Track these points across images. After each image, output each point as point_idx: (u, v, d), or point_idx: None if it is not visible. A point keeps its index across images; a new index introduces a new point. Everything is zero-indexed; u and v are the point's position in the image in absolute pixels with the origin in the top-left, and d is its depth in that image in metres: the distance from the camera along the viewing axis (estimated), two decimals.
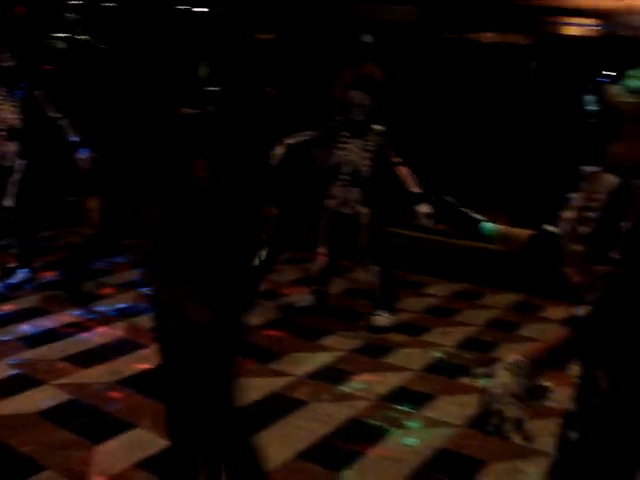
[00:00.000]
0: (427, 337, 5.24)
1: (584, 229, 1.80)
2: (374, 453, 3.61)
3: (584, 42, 7.78)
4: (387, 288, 5.40)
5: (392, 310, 5.43)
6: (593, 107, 1.84)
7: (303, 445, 3.64)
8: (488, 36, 10.40)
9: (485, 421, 1.76)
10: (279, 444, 3.63)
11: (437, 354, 4.89)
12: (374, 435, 3.79)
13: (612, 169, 1.78)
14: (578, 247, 1.80)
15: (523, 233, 2.25)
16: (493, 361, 1.81)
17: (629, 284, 1.70)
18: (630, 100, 1.74)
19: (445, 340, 5.13)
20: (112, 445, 3.59)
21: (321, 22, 8.84)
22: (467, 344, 5.08)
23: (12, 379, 4.25)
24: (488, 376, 1.79)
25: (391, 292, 5.45)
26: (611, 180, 1.78)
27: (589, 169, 1.85)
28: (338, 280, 6.44)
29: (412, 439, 3.75)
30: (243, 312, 2.80)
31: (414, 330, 5.35)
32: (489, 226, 2.31)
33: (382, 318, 5.34)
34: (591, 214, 1.79)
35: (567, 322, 1.83)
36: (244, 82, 9.73)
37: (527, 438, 1.74)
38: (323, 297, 5.73)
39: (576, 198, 1.86)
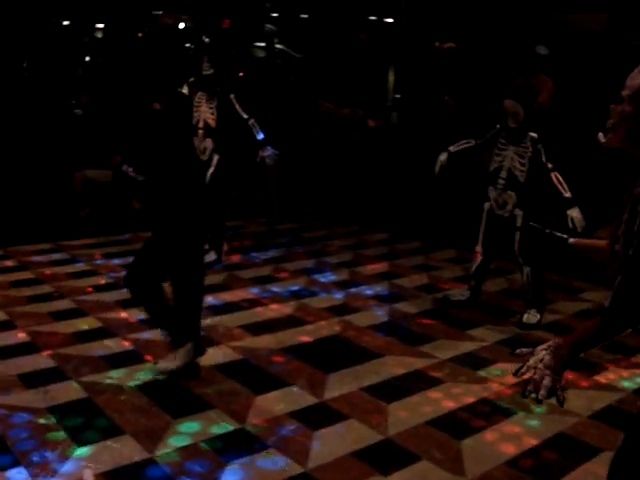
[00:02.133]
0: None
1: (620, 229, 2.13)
2: (495, 429, 3.97)
3: None
4: (538, 288, 5.67)
5: (542, 310, 5.69)
6: None
7: (431, 415, 4.09)
8: None
9: (524, 388, 2.14)
10: (411, 412, 4.11)
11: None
12: (499, 414, 4.15)
13: None
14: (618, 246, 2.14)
15: (602, 242, 2.51)
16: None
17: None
18: None
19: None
20: (270, 397, 4.24)
21: (499, 31, 9.09)
22: (609, 347, 5.22)
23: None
24: (529, 354, 2.16)
25: (542, 292, 5.71)
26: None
27: None
28: (497, 279, 6.79)
29: (534, 421, 4.07)
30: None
31: (561, 330, 5.56)
32: (572, 241, 2.58)
33: (531, 316, 5.63)
34: (624, 215, 2.12)
35: (598, 311, 2.17)
36: (424, 90, 10.19)
37: (560, 402, 2.11)
38: (478, 293, 6.11)
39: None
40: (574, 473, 3.53)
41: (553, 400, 4.11)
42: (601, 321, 2.16)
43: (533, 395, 2.09)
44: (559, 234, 2.58)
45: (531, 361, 2.13)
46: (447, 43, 9.99)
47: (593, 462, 3.61)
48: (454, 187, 8.23)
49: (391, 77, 11.68)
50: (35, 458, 3.46)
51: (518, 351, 2.22)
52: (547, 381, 2.07)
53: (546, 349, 2.12)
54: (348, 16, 11.57)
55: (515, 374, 2.16)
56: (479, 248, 5.95)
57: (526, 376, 2.13)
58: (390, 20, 11.07)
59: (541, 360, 2.10)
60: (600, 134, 2.12)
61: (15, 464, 3.40)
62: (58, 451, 3.53)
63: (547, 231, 2.60)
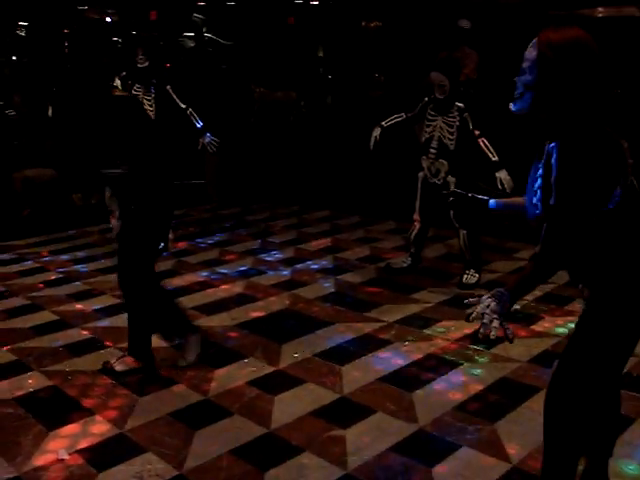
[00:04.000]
0: None
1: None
2: (443, 379, 4.27)
3: None
4: (474, 250, 5.98)
5: (480, 270, 6.01)
6: None
7: (383, 372, 4.36)
8: (599, 10, 10.61)
9: (476, 334, 2.42)
10: (363, 371, 4.38)
11: (515, 306, 5.42)
12: (446, 366, 4.44)
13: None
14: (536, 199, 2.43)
15: (520, 199, 2.78)
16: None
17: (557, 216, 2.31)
18: None
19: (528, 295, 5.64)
20: (229, 369, 4.45)
21: (423, 8, 9.37)
22: (545, 298, 5.58)
23: None
24: (475, 303, 2.43)
25: (478, 254, 6.02)
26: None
27: None
28: (436, 245, 7.11)
29: (479, 370, 4.38)
30: None
31: (499, 287, 5.89)
32: (492, 202, 2.87)
33: (470, 276, 5.95)
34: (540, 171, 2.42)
35: (531, 258, 2.45)
36: (355, 69, 10.43)
37: (510, 339, 2.39)
38: (418, 259, 6.40)
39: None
40: (515, 411, 3.84)
41: (495, 350, 4.45)
42: (534, 266, 2.43)
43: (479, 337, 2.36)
44: (480, 197, 2.86)
45: (479, 308, 2.40)
46: (373, 22, 10.25)
47: (532, 400, 3.92)
48: (389, 160, 8.50)
49: (321, 58, 11.88)
50: (10, 444, 3.60)
51: (467, 301, 2.48)
52: (496, 323, 2.34)
53: (491, 297, 2.40)
54: (274, 1, 11.73)
55: (467, 320, 2.42)
56: (417, 216, 6.24)
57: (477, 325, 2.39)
58: (316, 2, 11.26)
59: (488, 306, 2.37)
60: (510, 104, 2.42)
61: None
62: (31, 437, 3.67)
63: (469, 195, 2.87)
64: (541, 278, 2.46)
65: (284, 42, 11.47)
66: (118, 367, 4.38)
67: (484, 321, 2.36)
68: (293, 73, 10.86)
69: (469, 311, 2.42)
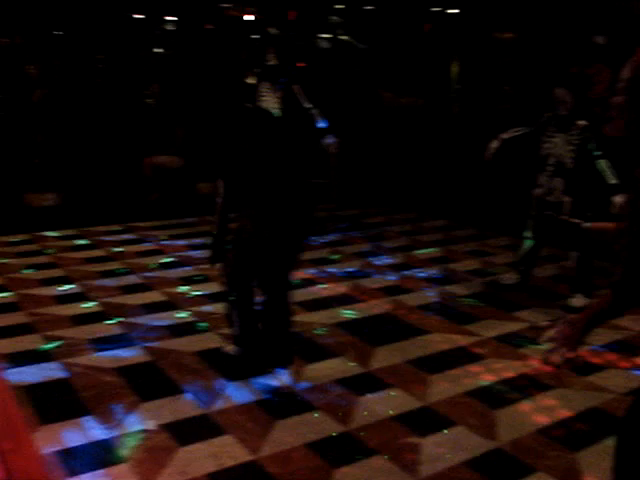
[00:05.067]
0: (618, 321, 5.56)
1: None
2: (531, 401, 4.17)
3: None
4: (585, 273, 5.79)
5: (589, 294, 5.82)
6: None
7: (470, 386, 4.31)
8: None
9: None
10: (451, 383, 4.35)
11: (618, 336, 5.23)
12: (537, 388, 4.34)
13: None
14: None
15: (611, 224, 2.70)
16: None
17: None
18: None
19: (633, 325, 5.43)
20: (319, 365, 4.54)
21: (559, 22, 9.13)
22: None
23: None
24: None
25: (589, 277, 5.83)
26: None
27: None
28: (549, 265, 6.93)
29: (571, 396, 4.25)
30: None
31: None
32: (587, 226, 2.80)
33: (577, 300, 5.76)
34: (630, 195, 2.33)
35: (608, 286, 2.38)
36: (485, 80, 10.28)
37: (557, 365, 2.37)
38: (527, 277, 6.27)
39: None
40: (601, 444, 3.70)
41: (591, 377, 4.31)
42: (612, 294, 2.37)
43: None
44: (573, 220, 2.80)
45: (552, 332, 2.37)
46: (506, 33, 10.08)
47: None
48: (506, 174, 8.36)
49: (454, 67, 11.79)
50: (105, 409, 3.84)
51: (543, 323, 2.46)
52: (564, 349, 2.31)
53: (565, 323, 2.36)
54: (412, 7, 11.73)
55: (540, 342, 2.41)
56: (529, 234, 6.11)
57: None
58: (454, 10, 11.18)
59: (560, 332, 2.34)
60: (605, 126, 2.36)
61: (86, 414, 3.78)
62: (124, 405, 3.90)
63: (562, 218, 2.82)
64: (619, 309, 2.39)
65: (418, 48, 11.47)
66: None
67: (554, 346, 2.33)
68: (422, 80, 10.84)
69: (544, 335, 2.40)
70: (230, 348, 4.56)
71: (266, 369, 4.43)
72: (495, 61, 9.98)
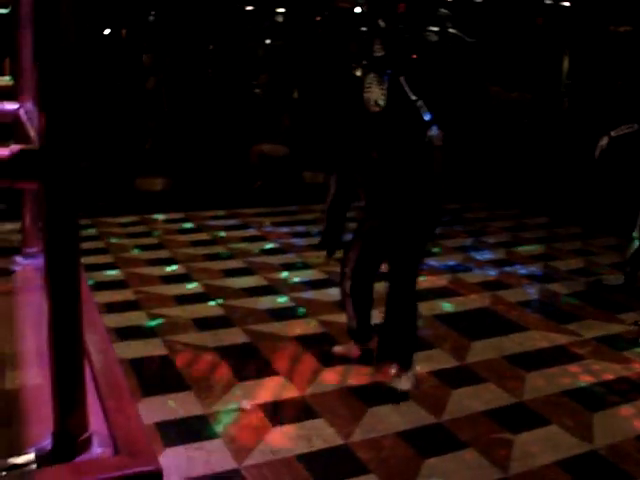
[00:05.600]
0: None
1: None
2: (632, 405, 4.06)
3: None
4: None
5: None
6: None
7: (568, 386, 4.24)
8: None
9: None
10: (548, 381, 4.29)
11: None
12: (638, 393, 4.21)
13: None
14: None
15: None
16: None
17: None
18: None
19: None
20: (419, 356, 4.50)
21: None
22: None
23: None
24: None
25: None
26: None
27: None
28: None
29: None
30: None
31: None
32: None
33: None
34: None
35: None
36: (597, 76, 9.95)
37: None
38: (633, 279, 6.07)
39: None
40: None
41: None
42: None
43: None
44: None
45: None
46: (622, 26, 9.71)
47: None
48: (616, 172, 8.09)
49: (565, 62, 11.49)
50: (203, 385, 3.98)
51: None
52: None
53: None
54: (523, 0, 11.50)
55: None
56: (637, 234, 5.91)
57: None
58: (567, 3, 10.87)
59: None
60: None
61: (185, 388, 3.94)
62: (222, 383, 4.04)
63: None
64: None
65: (529, 42, 11.21)
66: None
67: None
68: (532, 74, 10.58)
69: None
70: (339, 348, 4.55)
71: (380, 366, 4.30)
72: (609, 55, 9.65)
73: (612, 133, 5.88)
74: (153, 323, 4.88)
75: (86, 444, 1.16)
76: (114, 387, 1.42)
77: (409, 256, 4.10)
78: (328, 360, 4.41)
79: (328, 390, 4.05)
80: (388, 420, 3.75)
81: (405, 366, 4.12)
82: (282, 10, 12.70)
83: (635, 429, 3.80)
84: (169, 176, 9.27)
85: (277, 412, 3.76)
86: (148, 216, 7.88)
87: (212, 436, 3.50)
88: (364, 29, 11.58)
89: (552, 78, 11.05)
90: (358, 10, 11.76)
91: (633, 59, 9.34)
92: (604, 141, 5.88)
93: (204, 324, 4.89)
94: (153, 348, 4.46)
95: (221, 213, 8.15)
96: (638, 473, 3.39)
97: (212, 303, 5.31)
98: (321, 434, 3.56)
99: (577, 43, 10.40)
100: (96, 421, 1.22)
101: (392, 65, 7.18)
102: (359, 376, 4.24)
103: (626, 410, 4.01)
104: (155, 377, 4.10)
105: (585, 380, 4.34)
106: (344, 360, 4.42)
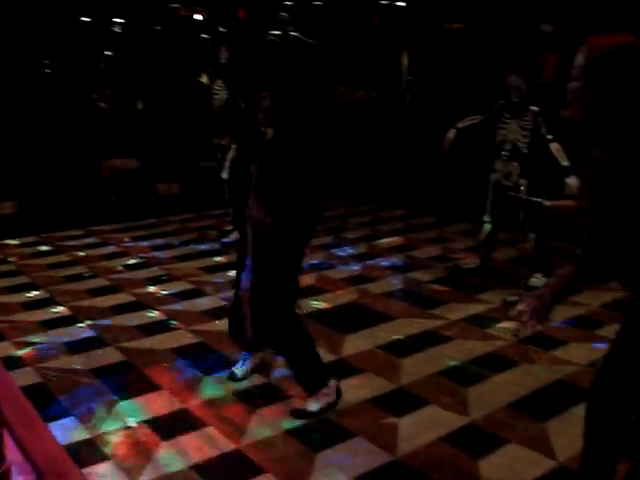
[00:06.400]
0: (576, 297, 5.74)
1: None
2: (501, 377, 4.32)
3: None
4: (543, 253, 5.98)
5: (547, 274, 6.00)
6: None
7: (441, 367, 4.45)
8: None
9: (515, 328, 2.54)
10: (422, 364, 4.49)
11: (580, 312, 5.41)
12: (505, 366, 4.49)
13: None
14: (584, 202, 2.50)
15: (570, 203, 2.86)
16: None
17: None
18: None
19: (591, 301, 5.59)
20: None
21: (506, 11, 9.32)
22: (613, 305, 5.52)
23: (220, 308, 5.41)
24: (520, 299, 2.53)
25: (547, 258, 6.01)
26: None
27: None
28: (508, 249, 7.11)
29: (537, 371, 4.41)
30: None
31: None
32: (548, 204, 2.94)
33: (536, 280, 5.95)
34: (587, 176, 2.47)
35: (572, 260, 2.51)
36: (435, 71, 10.46)
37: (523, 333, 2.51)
38: (487, 261, 6.44)
39: None
40: (567, 412, 3.86)
41: (555, 351, 4.47)
42: (577, 268, 2.51)
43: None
44: (535, 199, 2.94)
45: (520, 306, 2.51)
46: (455, 23, 10.26)
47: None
48: (463, 162, 8.54)
49: (404, 59, 11.97)
50: (83, 410, 3.87)
51: (509, 299, 2.59)
52: (533, 322, 2.45)
53: (532, 297, 2.50)
54: (361, 1, 11.85)
55: (509, 317, 2.54)
56: (487, 218, 6.27)
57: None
58: (402, 3, 11.33)
59: (528, 305, 2.48)
60: (561, 110, 2.48)
61: (66, 415, 3.81)
62: (103, 404, 3.94)
63: (524, 197, 2.96)
64: (582, 282, 2.53)
65: (368, 42, 11.59)
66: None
67: (522, 319, 2.46)
68: (374, 73, 10.96)
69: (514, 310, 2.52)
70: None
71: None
72: (444, 51, 10.18)
73: (458, 125, 6.22)
74: (21, 352, 4.68)
75: (6, 477, 1.14)
76: (22, 415, 1.39)
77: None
78: (209, 369, 4.41)
79: (212, 397, 4.04)
80: (276, 420, 3.80)
81: (310, 391, 3.92)
82: (121, 20, 12.42)
83: (505, 399, 4.05)
84: (17, 199, 8.87)
85: (165, 426, 3.72)
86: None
87: (102, 459, 3.41)
88: (205, 36, 11.55)
89: (393, 75, 11.49)
90: (198, 17, 11.72)
91: (466, 54, 9.88)
92: (451, 133, 6.20)
93: (76, 347, 4.74)
94: (26, 378, 4.27)
95: (77, 232, 7.89)
96: (512, 437, 3.63)
97: (81, 325, 5.15)
98: (212, 441, 3.56)
99: (414, 41, 10.88)
100: (11, 452, 1.20)
101: (237, 71, 7.25)
102: (239, 382, 4.26)
103: (496, 383, 4.26)
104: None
105: (457, 359, 4.58)
106: (224, 367, 4.43)
